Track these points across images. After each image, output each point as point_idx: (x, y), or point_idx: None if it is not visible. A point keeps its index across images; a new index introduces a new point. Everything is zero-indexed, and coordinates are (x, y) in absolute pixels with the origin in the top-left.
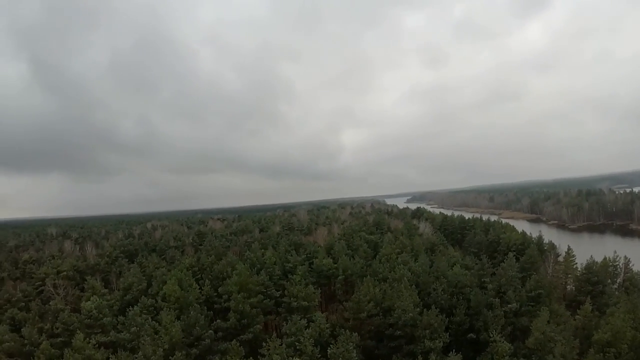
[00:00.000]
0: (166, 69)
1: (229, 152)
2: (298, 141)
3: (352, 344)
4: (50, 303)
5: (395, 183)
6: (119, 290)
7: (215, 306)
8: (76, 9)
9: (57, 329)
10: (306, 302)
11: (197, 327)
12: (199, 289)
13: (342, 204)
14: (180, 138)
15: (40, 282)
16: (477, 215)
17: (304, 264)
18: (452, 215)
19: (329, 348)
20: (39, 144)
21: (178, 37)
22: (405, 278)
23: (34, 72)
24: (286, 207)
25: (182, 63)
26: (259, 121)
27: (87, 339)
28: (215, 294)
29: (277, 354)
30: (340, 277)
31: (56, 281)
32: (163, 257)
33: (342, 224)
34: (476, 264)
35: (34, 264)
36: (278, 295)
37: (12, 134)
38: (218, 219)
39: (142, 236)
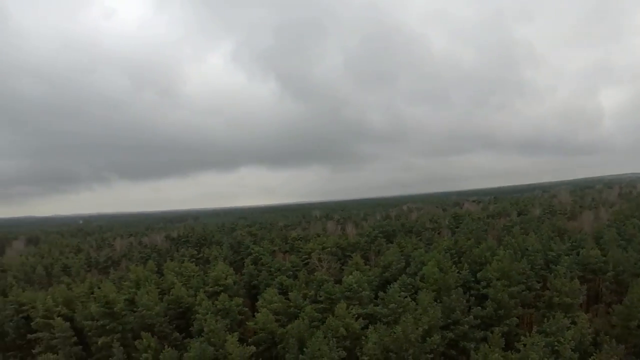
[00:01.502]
0: (399, 56)
1: (478, 130)
2: (550, 111)
3: (616, 357)
4: (315, 274)
5: None
6: (377, 267)
7: (472, 292)
8: (304, 25)
9: (320, 296)
10: (569, 299)
11: (457, 311)
12: (457, 272)
13: (608, 183)
14: (426, 121)
15: (307, 256)
16: None
17: (569, 254)
18: None
19: (590, 358)
20: (298, 143)
21: (402, 24)
22: None
23: (282, 86)
24: (544, 188)
25: (413, 47)
26: (504, 94)
27: (347, 309)
28: (472, 279)
29: (534, 352)
30: (609, 273)
31: (321, 255)
32: (419, 238)
33: (610, 207)
34: None
35: (301, 241)
36: (539, 287)
37: (273, 138)
38: (473, 201)
39: (398, 218)
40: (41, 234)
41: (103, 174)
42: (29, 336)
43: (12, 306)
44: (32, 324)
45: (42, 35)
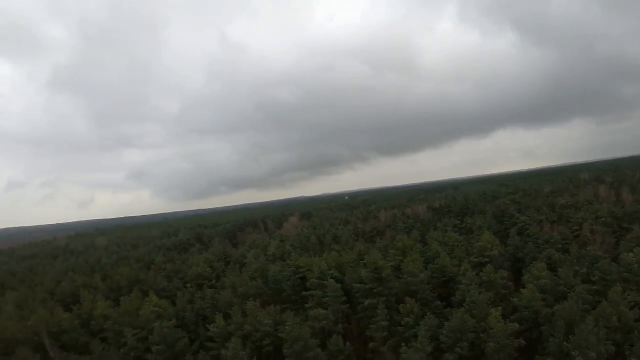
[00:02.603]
0: None
1: None
2: None
3: None
4: (587, 248)
5: None
6: None
7: None
8: None
9: (594, 276)
10: None
11: None
12: None
13: None
14: None
15: (577, 227)
16: None
17: None
18: None
19: None
20: (551, 95)
21: None
22: None
23: (520, 35)
24: None
25: None
26: None
27: (623, 294)
28: None
29: None
30: None
31: (594, 227)
32: None
33: None
34: None
35: (570, 209)
36: None
37: (524, 95)
38: None
39: None
40: (313, 210)
41: (362, 154)
42: (304, 293)
43: (290, 269)
44: (307, 284)
45: (284, 50)
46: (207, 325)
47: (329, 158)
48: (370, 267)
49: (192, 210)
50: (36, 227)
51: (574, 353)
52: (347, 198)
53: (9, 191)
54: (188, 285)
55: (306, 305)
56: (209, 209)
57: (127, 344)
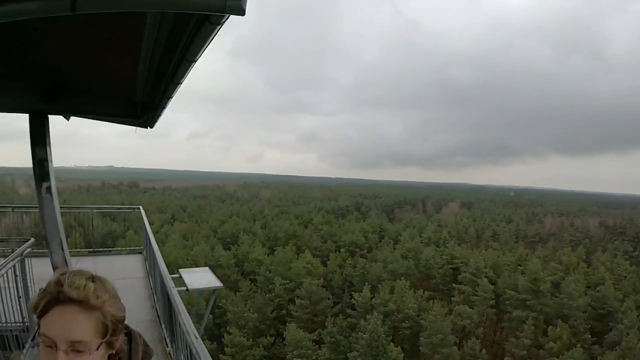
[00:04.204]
0: None
1: None
2: None
3: None
4: None
5: None
6: None
7: None
8: None
9: None
10: None
11: None
12: None
13: None
14: None
15: None
16: None
17: None
18: None
19: None
20: None
21: None
22: None
23: None
24: None
25: None
26: None
27: None
28: None
29: None
30: None
31: None
32: None
33: None
34: None
35: None
36: None
37: None
38: None
39: None
40: (474, 200)
41: (537, 148)
42: (453, 285)
43: (444, 257)
44: (459, 276)
45: (460, 27)
46: (352, 293)
47: (500, 147)
48: (529, 276)
49: (354, 179)
50: (210, 172)
51: None
52: (512, 194)
53: (191, 140)
54: (341, 249)
55: (452, 298)
56: (371, 180)
57: (274, 290)
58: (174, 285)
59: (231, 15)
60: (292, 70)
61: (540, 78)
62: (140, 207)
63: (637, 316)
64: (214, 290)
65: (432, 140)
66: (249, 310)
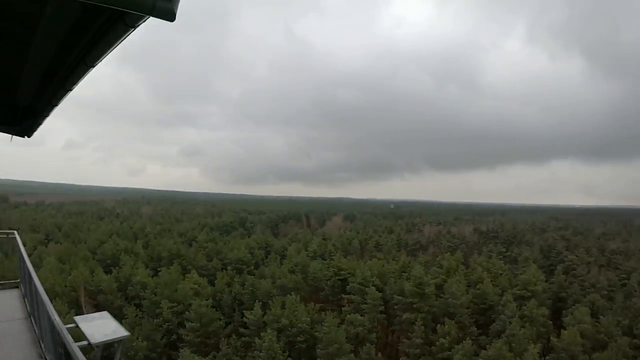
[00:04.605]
0: None
1: None
2: None
3: None
4: (632, 300)
5: None
6: None
7: None
8: None
9: (637, 329)
10: None
11: None
12: None
13: None
14: None
15: (625, 275)
16: None
17: None
18: None
19: None
20: (619, 130)
21: None
22: None
23: (589, 62)
24: None
25: None
26: None
27: None
28: None
29: None
30: None
31: None
32: None
33: None
34: None
35: (620, 255)
36: None
37: (588, 125)
38: None
39: None
40: (357, 213)
41: (414, 164)
42: (342, 296)
43: (332, 269)
44: (347, 287)
45: (349, 51)
46: (243, 311)
47: (381, 163)
48: (414, 281)
49: (238, 194)
50: (87, 186)
51: None
52: (392, 206)
53: (68, 150)
54: (228, 267)
55: (343, 308)
56: (254, 195)
57: (162, 315)
58: (72, 341)
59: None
60: (179, 81)
61: (420, 103)
62: (16, 232)
63: (517, 307)
64: (120, 342)
65: (316, 157)
66: (137, 338)
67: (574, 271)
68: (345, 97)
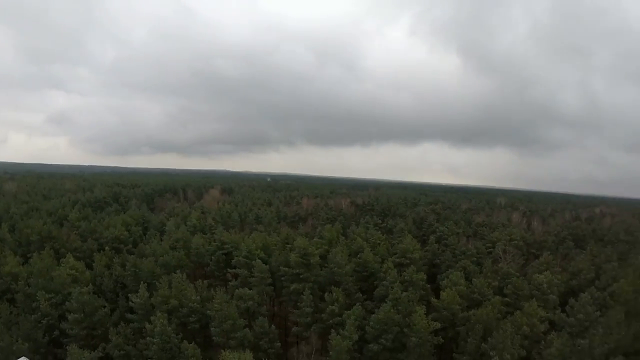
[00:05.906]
0: (596, 26)
1: None
2: None
3: None
4: (499, 265)
5: None
6: (565, 272)
7: None
8: None
9: (507, 290)
10: None
11: None
12: None
13: None
14: (630, 106)
15: (491, 245)
16: None
17: None
18: None
19: None
20: (482, 121)
21: None
22: None
23: (464, 59)
24: None
25: (612, 16)
26: None
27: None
28: None
29: None
30: None
31: (506, 247)
32: (612, 249)
33: None
34: None
35: (485, 227)
36: None
37: (457, 114)
38: None
39: (589, 221)
40: (234, 186)
41: (291, 139)
42: (229, 270)
43: (215, 243)
44: (232, 261)
45: (233, 24)
46: (127, 295)
47: (257, 137)
48: (299, 252)
49: (110, 167)
50: None
51: (491, 353)
52: (269, 179)
53: None
54: (105, 247)
55: (230, 283)
56: (128, 168)
57: (40, 309)
58: None
59: None
60: (46, 37)
61: (300, 79)
62: None
63: (397, 273)
64: None
65: (192, 128)
66: (17, 340)
67: (446, 241)
68: (226, 68)
